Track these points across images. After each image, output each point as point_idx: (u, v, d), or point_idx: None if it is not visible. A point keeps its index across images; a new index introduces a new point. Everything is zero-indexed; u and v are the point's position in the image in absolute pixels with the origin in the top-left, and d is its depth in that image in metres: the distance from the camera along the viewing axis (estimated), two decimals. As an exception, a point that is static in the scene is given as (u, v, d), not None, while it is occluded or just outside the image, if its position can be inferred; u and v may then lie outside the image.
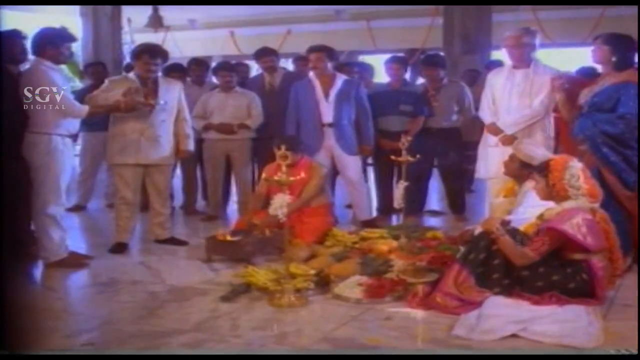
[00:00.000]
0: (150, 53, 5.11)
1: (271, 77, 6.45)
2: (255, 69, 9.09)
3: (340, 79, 5.87)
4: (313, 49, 5.94)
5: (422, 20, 11.95)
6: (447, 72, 6.51)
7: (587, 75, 5.28)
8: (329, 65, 5.87)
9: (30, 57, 4.79)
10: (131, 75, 5.22)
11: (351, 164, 5.92)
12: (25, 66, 4.88)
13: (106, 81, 5.30)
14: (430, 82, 6.33)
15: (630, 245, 4.25)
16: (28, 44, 4.82)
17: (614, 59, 4.52)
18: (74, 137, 5.17)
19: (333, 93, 5.81)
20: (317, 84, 5.86)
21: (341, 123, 5.81)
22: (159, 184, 5.26)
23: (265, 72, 6.52)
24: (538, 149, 4.43)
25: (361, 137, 5.93)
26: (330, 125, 5.82)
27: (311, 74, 6.01)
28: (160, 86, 5.15)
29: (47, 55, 4.62)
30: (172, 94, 5.22)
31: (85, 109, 4.75)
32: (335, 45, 6.15)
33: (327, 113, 5.82)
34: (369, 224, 5.82)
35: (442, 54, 8.82)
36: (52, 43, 4.64)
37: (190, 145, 5.42)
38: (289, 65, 8.66)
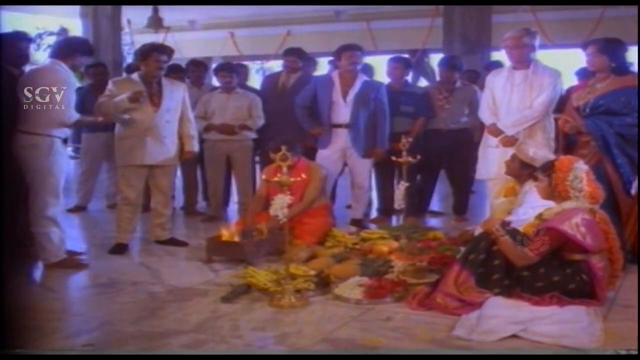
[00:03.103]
0: (158, 51, 5.13)
1: (287, 78, 6.41)
2: (254, 70, 9.08)
3: (361, 80, 5.82)
4: (348, 48, 5.83)
5: (422, 21, 11.94)
6: (461, 75, 6.50)
7: (587, 76, 5.29)
8: (360, 64, 5.85)
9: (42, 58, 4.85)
10: (134, 76, 5.21)
11: (360, 167, 5.90)
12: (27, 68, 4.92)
13: (110, 83, 5.29)
14: (444, 84, 6.31)
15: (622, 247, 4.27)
16: (32, 46, 4.85)
17: (613, 65, 4.55)
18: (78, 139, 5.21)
19: (352, 93, 5.77)
20: (338, 83, 5.81)
21: (358, 124, 5.77)
22: (162, 185, 5.26)
23: (284, 72, 6.47)
24: (540, 150, 4.44)
25: (375, 140, 5.85)
26: (346, 126, 5.79)
27: (334, 72, 5.98)
28: (164, 87, 5.16)
29: (66, 60, 4.66)
30: (176, 95, 5.23)
31: (74, 117, 4.72)
32: (335, 46, 6.13)
33: (344, 113, 5.78)
34: (357, 223, 5.88)
35: (447, 55, 8.81)
36: (78, 51, 4.74)
37: (195, 147, 5.43)
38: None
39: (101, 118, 5.10)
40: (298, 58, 6.43)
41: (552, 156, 4.27)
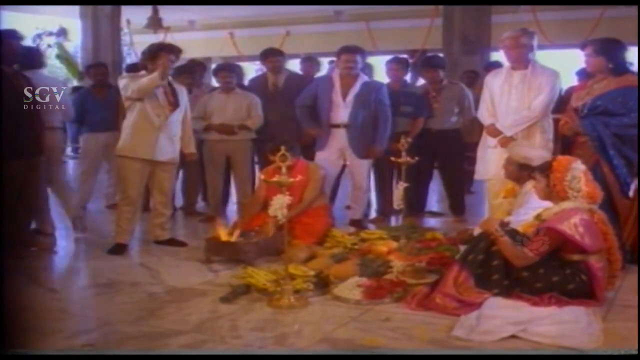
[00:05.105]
0: (166, 50, 5.14)
1: (275, 78, 6.44)
2: (254, 70, 9.10)
3: (361, 81, 5.83)
4: (346, 50, 5.87)
5: (422, 21, 11.97)
6: (447, 74, 6.51)
7: (587, 76, 5.29)
8: (359, 66, 5.86)
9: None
10: (143, 74, 5.20)
11: (359, 168, 5.91)
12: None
13: (125, 79, 5.26)
14: (431, 84, 6.33)
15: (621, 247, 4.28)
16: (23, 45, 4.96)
17: (611, 66, 4.55)
18: (75, 138, 5.31)
19: (352, 94, 5.78)
20: (338, 84, 5.83)
21: (356, 125, 5.78)
22: (164, 185, 5.28)
23: (269, 73, 6.51)
24: (534, 150, 4.44)
25: (374, 138, 5.83)
26: (345, 126, 5.81)
27: (334, 72, 6.00)
28: (174, 87, 5.24)
29: None
30: (183, 95, 5.32)
31: None
32: (334, 46, 6.15)
33: (343, 114, 5.79)
34: (356, 223, 5.89)
35: (441, 55, 8.83)
36: None
37: (194, 148, 5.51)
38: (288, 66, 8.67)
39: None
40: (281, 57, 6.47)
41: (547, 154, 4.28)
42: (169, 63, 5.11)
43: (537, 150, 4.45)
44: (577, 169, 3.67)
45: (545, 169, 3.75)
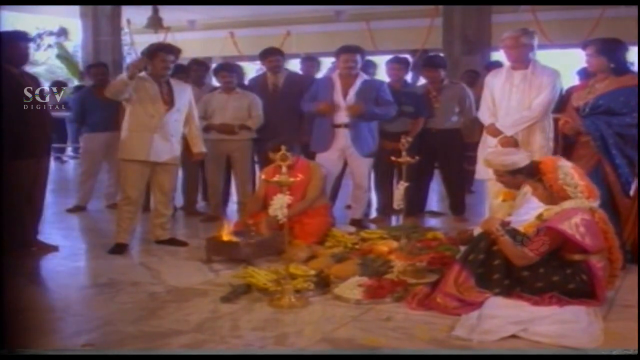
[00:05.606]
0: (165, 50, 5.16)
1: (275, 78, 6.44)
2: (254, 70, 9.09)
3: (361, 79, 5.83)
4: (345, 50, 5.87)
5: (422, 21, 11.98)
6: (447, 73, 6.51)
7: (588, 76, 5.30)
8: (359, 66, 5.86)
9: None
10: (143, 74, 5.22)
11: (360, 167, 5.91)
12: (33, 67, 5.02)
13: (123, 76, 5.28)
14: (431, 83, 6.33)
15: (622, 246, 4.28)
16: (31, 46, 4.90)
17: (612, 66, 4.56)
18: (75, 138, 5.26)
19: (352, 93, 5.78)
20: (338, 83, 5.83)
21: (357, 124, 5.78)
22: (164, 185, 5.27)
23: (269, 72, 6.50)
24: (512, 154, 4.38)
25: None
26: (346, 125, 5.81)
27: (334, 73, 6.00)
28: (174, 87, 5.22)
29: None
30: (185, 95, 5.30)
31: None
32: (334, 46, 6.15)
33: (344, 113, 5.78)
34: (357, 223, 5.89)
35: (441, 54, 8.84)
36: None
37: (203, 147, 5.53)
38: (288, 66, 8.69)
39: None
40: (280, 57, 6.47)
41: (527, 153, 4.27)
42: (167, 63, 5.11)
43: (515, 153, 4.36)
44: (565, 166, 3.69)
45: (535, 174, 3.75)
